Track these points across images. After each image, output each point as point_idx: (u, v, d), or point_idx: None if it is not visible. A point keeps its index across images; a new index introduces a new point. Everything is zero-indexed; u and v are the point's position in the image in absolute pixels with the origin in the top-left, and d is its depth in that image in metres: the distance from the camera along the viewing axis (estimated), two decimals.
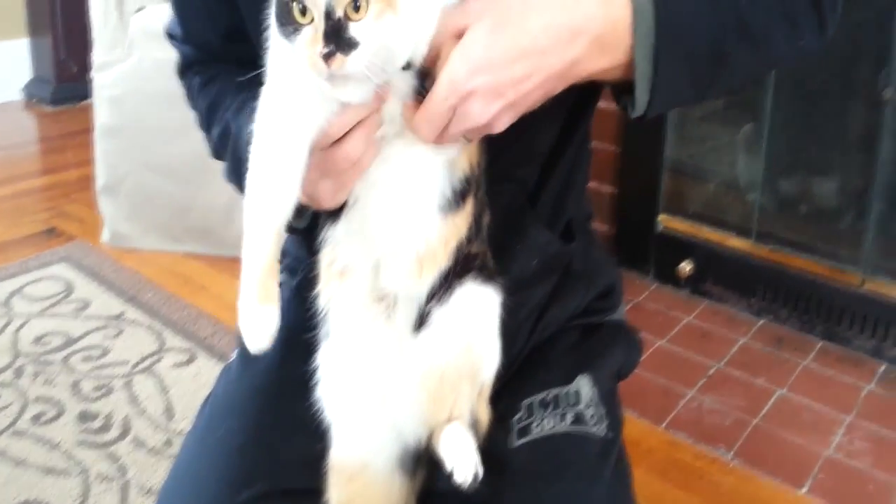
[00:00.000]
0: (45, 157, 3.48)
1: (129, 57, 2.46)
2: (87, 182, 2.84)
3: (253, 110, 0.74)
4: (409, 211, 0.76)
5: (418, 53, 0.70)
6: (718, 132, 2.41)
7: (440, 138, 0.72)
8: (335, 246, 0.82)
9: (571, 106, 0.92)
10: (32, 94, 4.06)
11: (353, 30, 0.64)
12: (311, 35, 0.64)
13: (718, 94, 0.86)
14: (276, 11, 0.67)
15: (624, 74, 0.73)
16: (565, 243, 0.97)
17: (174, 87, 2.49)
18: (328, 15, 0.63)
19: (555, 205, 0.96)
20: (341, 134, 0.72)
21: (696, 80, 0.75)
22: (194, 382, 1.96)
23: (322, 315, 0.84)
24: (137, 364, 2.04)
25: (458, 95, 0.68)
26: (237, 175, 0.85)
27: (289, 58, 0.69)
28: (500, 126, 0.72)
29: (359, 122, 0.72)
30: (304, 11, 0.64)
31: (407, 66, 0.70)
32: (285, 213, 0.73)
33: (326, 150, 0.72)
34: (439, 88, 0.68)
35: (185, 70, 1.03)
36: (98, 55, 2.50)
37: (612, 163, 2.42)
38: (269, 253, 0.72)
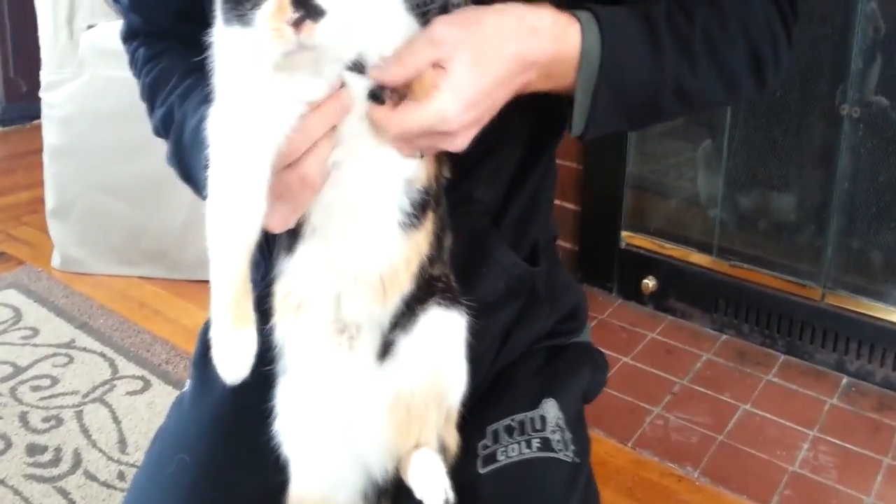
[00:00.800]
0: None
1: (80, 75, 2.41)
2: (37, 204, 2.77)
3: (199, 97, 0.72)
4: (369, 229, 0.75)
5: (373, 51, 0.69)
6: (679, 148, 2.42)
7: (405, 147, 0.73)
8: (290, 278, 0.79)
9: (534, 129, 0.92)
10: None
11: None
12: (275, 6, 0.61)
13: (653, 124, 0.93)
14: None
15: (567, 94, 0.80)
16: (530, 266, 0.97)
17: (126, 106, 2.44)
18: None
19: (520, 227, 0.96)
20: (300, 150, 0.70)
21: (630, 119, 0.85)
22: (148, 411, 1.90)
23: (278, 348, 0.82)
24: (88, 393, 1.98)
25: (445, 128, 0.71)
26: (179, 161, 0.87)
27: (242, 53, 0.66)
28: (466, 142, 0.75)
29: (314, 143, 0.70)
30: None
31: (360, 68, 0.68)
32: (254, 229, 0.69)
33: (281, 171, 0.70)
34: (426, 117, 0.70)
35: (130, 38, 1.01)
36: (47, 74, 2.44)
37: (574, 180, 2.42)
38: (240, 273, 0.68)
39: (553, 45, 0.75)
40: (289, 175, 0.71)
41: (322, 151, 0.71)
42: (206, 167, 0.71)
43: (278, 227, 0.75)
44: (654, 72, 0.80)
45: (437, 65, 0.71)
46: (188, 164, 0.84)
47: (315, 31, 0.62)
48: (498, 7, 0.74)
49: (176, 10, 0.93)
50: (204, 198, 0.74)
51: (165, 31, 0.96)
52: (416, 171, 0.75)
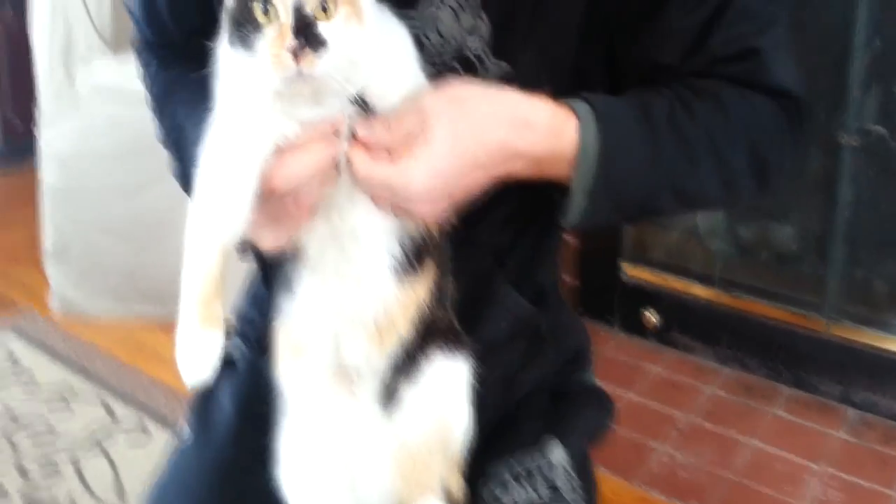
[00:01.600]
0: None
1: (77, 113, 2.40)
2: (35, 245, 2.75)
3: (203, 109, 0.72)
4: (361, 272, 0.74)
5: (375, 91, 0.68)
6: None
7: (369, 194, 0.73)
8: (290, 319, 0.79)
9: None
10: None
11: (322, 29, 0.62)
12: (276, 33, 0.62)
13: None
14: (233, 14, 0.65)
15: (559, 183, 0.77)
16: (536, 308, 0.95)
17: (124, 144, 2.43)
18: (297, 10, 0.61)
19: (525, 269, 0.94)
20: (297, 175, 0.69)
21: (625, 216, 0.86)
22: (147, 458, 1.87)
23: (280, 391, 0.81)
24: (86, 441, 1.95)
25: (406, 194, 0.70)
26: (181, 173, 0.86)
27: (241, 74, 0.66)
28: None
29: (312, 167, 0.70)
30: (266, 11, 0.62)
31: (363, 104, 0.68)
32: (232, 231, 0.68)
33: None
34: (390, 177, 0.69)
35: (142, 49, 1.01)
36: (44, 112, 2.43)
37: None
38: (212, 271, 0.67)
39: (547, 141, 0.73)
40: (284, 197, 0.70)
41: (319, 177, 0.70)
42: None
43: (270, 245, 0.75)
44: (652, 173, 0.78)
45: (420, 133, 0.70)
46: (188, 173, 0.83)
47: (315, 62, 0.62)
48: (496, 92, 0.73)
49: (189, 25, 0.93)
50: None
51: (176, 44, 0.96)
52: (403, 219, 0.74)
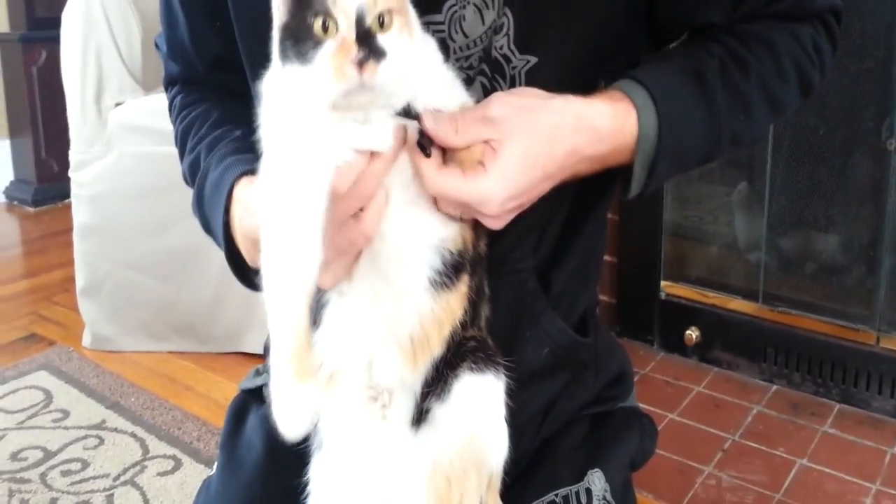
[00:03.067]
0: (26, 259, 3.42)
1: (108, 153, 2.42)
2: (69, 283, 2.78)
3: (225, 149, 0.73)
4: (399, 287, 0.73)
5: (421, 102, 0.69)
6: (717, 193, 2.37)
7: (439, 203, 0.73)
8: (321, 350, 0.76)
9: (583, 189, 0.89)
10: (13, 196, 4.02)
11: (381, 40, 0.63)
12: (338, 45, 0.63)
13: None
14: (290, 29, 0.64)
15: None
16: (579, 336, 0.93)
17: (154, 182, 2.46)
18: (359, 22, 0.62)
19: (568, 294, 0.93)
20: (359, 203, 0.69)
21: (684, 172, 0.87)
22: (180, 492, 1.84)
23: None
24: (119, 476, 1.92)
25: (484, 211, 0.71)
26: (200, 211, 0.87)
27: (298, 91, 0.66)
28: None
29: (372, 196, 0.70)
30: (325, 27, 0.63)
31: (412, 114, 0.69)
32: (312, 276, 0.66)
33: (342, 226, 0.69)
34: (468, 193, 0.70)
35: (170, 85, 1.03)
36: (76, 153, 2.46)
37: (611, 231, 2.38)
38: (300, 322, 0.65)
39: (612, 139, 0.75)
40: (349, 229, 0.69)
41: (381, 204, 0.70)
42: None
43: (330, 284, 0.73)
44: (710, 134, 0.81)
45: (487, 142, 0.71)
46: (207, 213, 0.84)
47: (377, 72, 0.62)
48: (558, 100, 0.74)
49: (210, 58, 0.94)
50: (221, 247, 0.77)
51: (201, 79, 0.98)
52: (449, 232, 0.73)
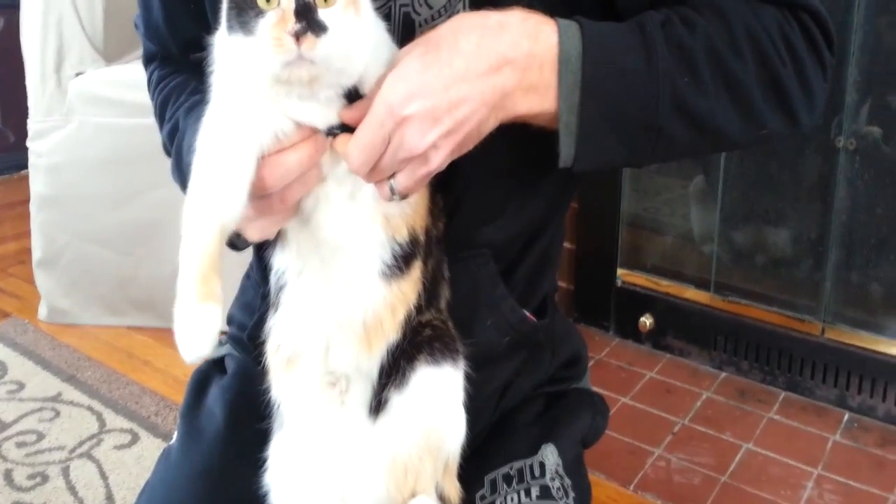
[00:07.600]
0: None
1: (68, 123, 2.38)
2: (25, 255, 2.74)
3: (203, 113, 0.72)
4: (349, 275, 0.74)
5: (366, 81, 0.69)
6: (673, 185, 2.41)
7: (374, 173, 0.69)
8: (280, 330, 0.79)
9: (550, 182, 0.88)
10: None
11: (323, 14, 0.63)
12: (278, 17, 0.62)
13: (670, 159, 0.85)
14: (234, 2, 0.65)
15: (555, 125, 0.71)
16: (537, 319, 0.94)
17: (114, 154, 2.43)
18: None
19: (531, 281, 0.94)
20: (280, 182, 0.69)
21: (629, 143, 0.72)
22: (137, 466, 1.85)
23: (274, 405, 0.81)
24: (75, 448, 1.92)
25: (393, 120, 0.66)
26: (179, 174, 0.85)
27: (240, 60, 0.67)
28: (438, 160, 0.68)
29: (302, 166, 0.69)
30: None
31: (356, 97, 0.68)
32: (232, 215, 0.68)
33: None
34: (374, 113, 0.66)
35: (148, 61, 1.03)
36: (34, 122, 2.42)
37: (570, 219, 2.40)
38: (211, 249, 0.67)
39: (526, 42, 0.67)
40: (270, 196, 0.70)
41: (305, 181, 0.70)
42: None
43: (257, 237, 0.75)
44: (647, 81, 0.69)
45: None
46: (186, 172, 0.83)
47: (316, 45, 0.62)
48: (465, 14, 0.71)
49: (185, 40, 0.94)
50: None
51: (175, 60, 0.98)
52: (395, 217, 0.74)
